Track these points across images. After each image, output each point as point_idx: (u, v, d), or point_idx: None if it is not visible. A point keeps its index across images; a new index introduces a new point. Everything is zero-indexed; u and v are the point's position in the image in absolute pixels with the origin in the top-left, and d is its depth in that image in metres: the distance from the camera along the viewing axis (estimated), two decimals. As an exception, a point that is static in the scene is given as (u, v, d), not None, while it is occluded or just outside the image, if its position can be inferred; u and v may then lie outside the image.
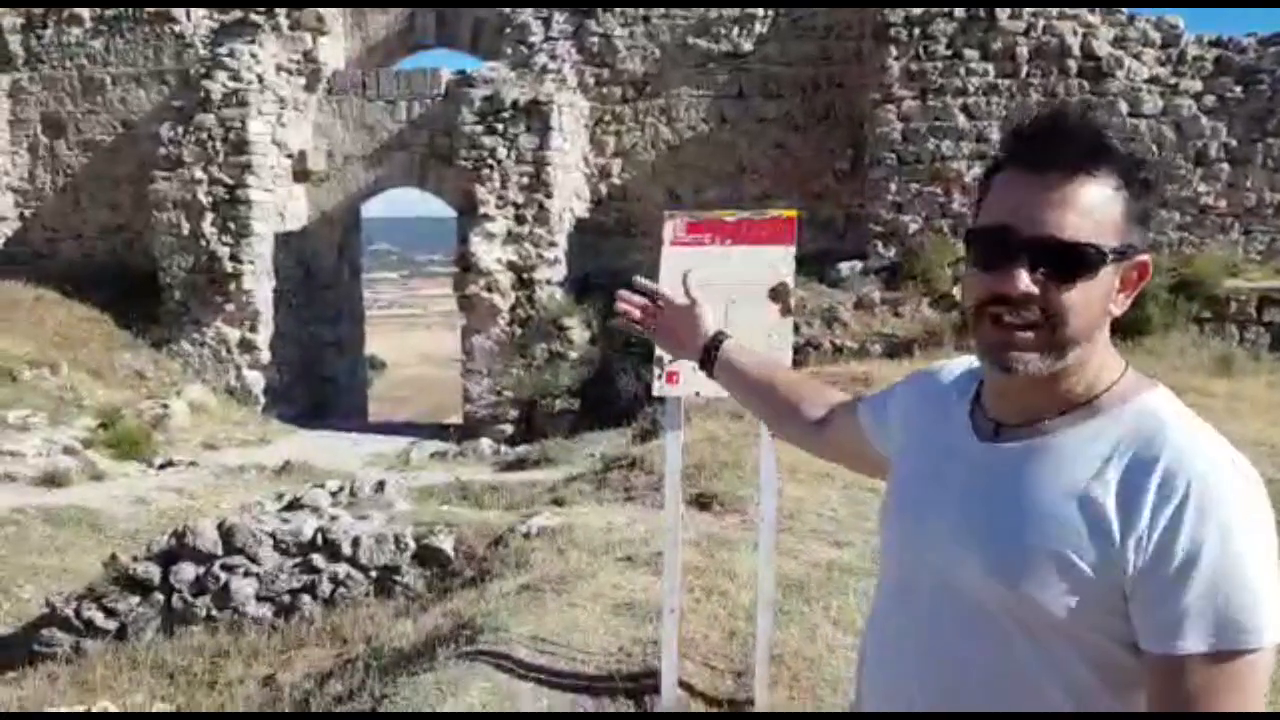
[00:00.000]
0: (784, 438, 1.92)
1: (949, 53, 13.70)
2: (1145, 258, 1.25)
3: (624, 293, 1.91)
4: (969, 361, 1.45)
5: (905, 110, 13.90)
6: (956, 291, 13.16)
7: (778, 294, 3.34)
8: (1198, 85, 13.19)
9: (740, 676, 3.62)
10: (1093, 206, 1.18)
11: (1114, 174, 1.19)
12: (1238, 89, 13.08)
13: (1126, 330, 11.01)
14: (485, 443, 13.59)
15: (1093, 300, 1.20)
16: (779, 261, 3.37)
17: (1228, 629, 1.10)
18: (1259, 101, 13.01)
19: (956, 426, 1.36)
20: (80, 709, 4.85)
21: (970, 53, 13.66)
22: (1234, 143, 13.12)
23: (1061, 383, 1.24)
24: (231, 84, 15.61)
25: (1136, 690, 1.17)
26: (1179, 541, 1.11)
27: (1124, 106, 13.19)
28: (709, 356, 1.85)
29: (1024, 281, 1.18)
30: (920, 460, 1.39)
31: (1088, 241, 1.17)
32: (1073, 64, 13.40)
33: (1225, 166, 13.18)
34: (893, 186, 14.00)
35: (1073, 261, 1.17)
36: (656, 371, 3.40)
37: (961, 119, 13.77)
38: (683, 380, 3.38)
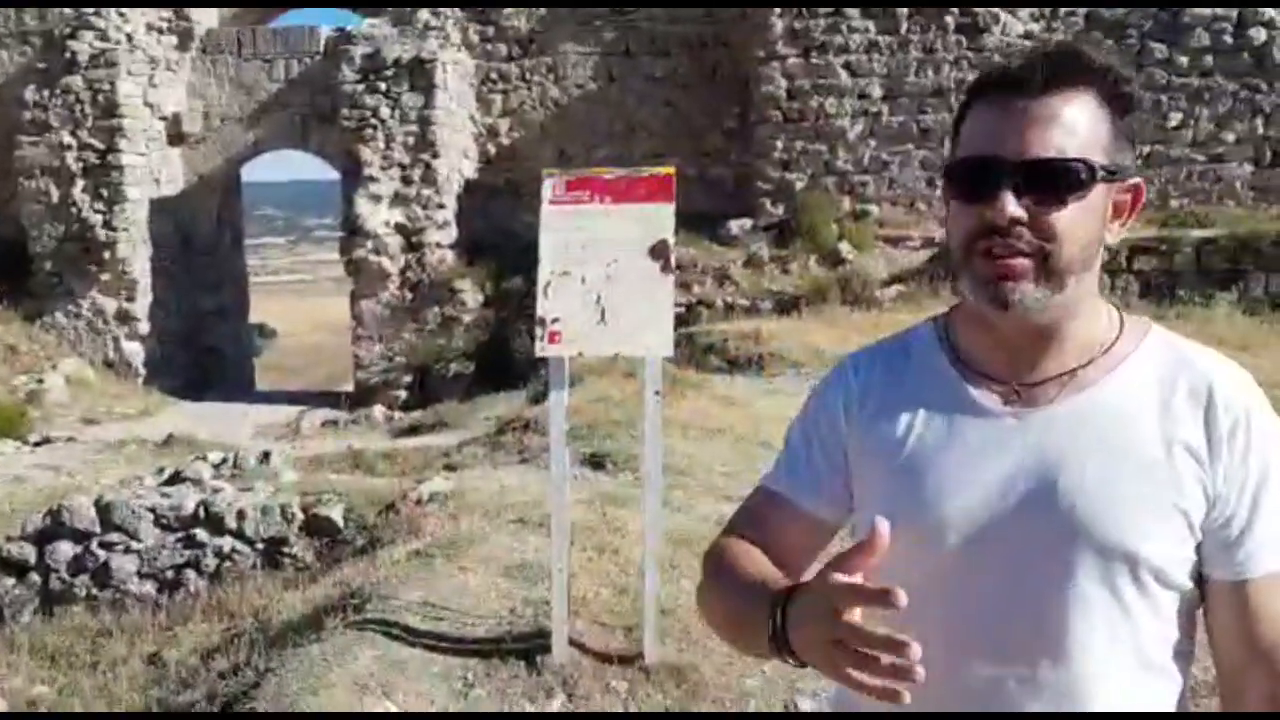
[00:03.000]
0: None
1: (830, 10, 13.82)
2: (1138, 180, 1.19)
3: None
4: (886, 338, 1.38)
5: (789, 68, 13.99)
6: (843, 248, 13.38)
7: (658, 251, 3.35)
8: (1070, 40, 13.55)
9: (630, 632, 3.66)
10: (1076, 123, 1.13)
11: (1093, 91, 1.14)
12: (1108, 43, 13.48)
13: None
14: (378, 409, 13.40)
15: (1086, 223, 1.14)
16: (659, 218, 3.38)
17: None
18: (1128, 55, 13.43)
19: (953, 395, 1.24)
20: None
21: (851, 10, 13.79)
22: (1105, 97, 13.52)
23: (1069, 326, 1.20)
24: (99, 44, 14.91)
25: (1190, 619, 1.20)
26: (1251, 471, 1.14)
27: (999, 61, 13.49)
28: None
29: (1011, 206, 1.12)
30: (926, 446, 1.24)
31: (1075, 157, 1.12)
32: (950, 20, 13.64)
33: (1097, 120, 13.59)
34: (779, 144, 14.11)
35: (1061, 180, 1.12)
36: (539, 331, 3.39)
37: (844, 76, 13.92)
38: (565, 339, 3.37)
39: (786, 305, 12.59)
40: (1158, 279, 11.99)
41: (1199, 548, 1.15)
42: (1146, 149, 13.42)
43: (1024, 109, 1.13)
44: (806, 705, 3.31)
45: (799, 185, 14.08)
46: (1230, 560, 1.14)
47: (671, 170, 3.43)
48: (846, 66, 13.86)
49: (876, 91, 13.89)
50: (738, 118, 15.01)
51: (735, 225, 14.10)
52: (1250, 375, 1.21)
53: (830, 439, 1.33)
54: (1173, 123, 13.45)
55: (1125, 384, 1.18)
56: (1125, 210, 1.19)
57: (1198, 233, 12.29)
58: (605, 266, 3.38)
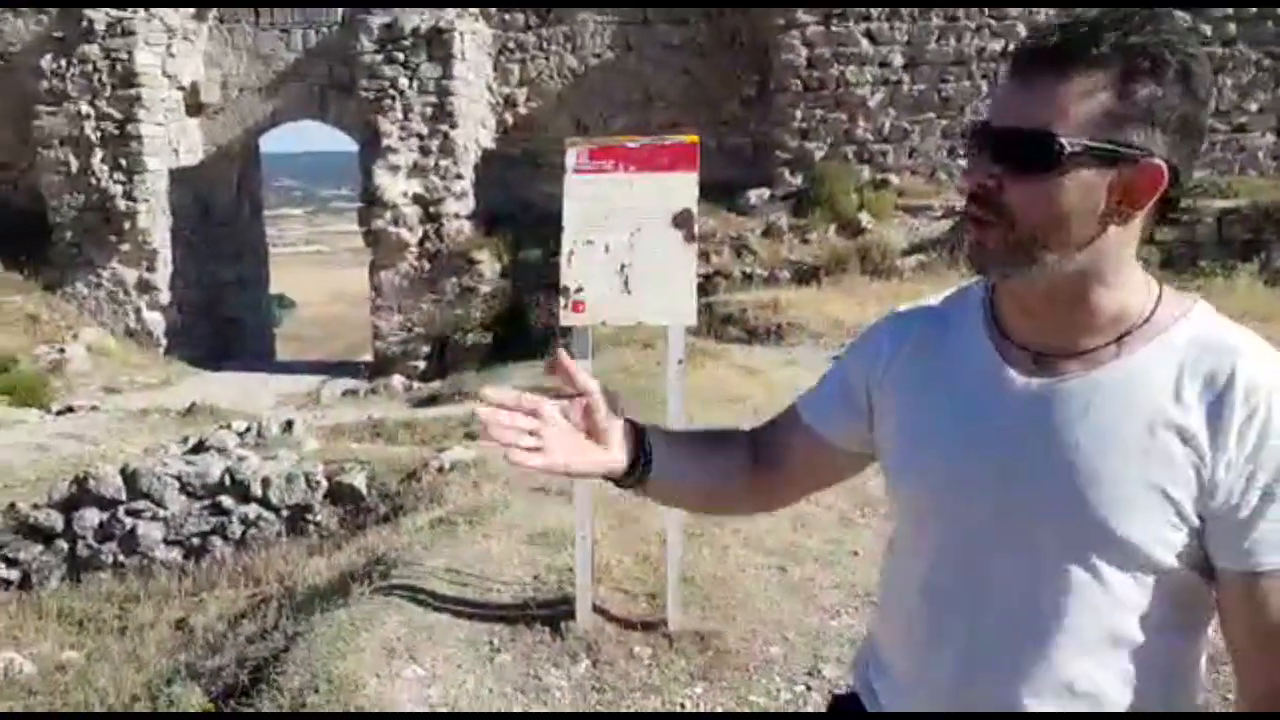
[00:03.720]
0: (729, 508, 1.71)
1: (852, -24, 13.70)
2: (1154, 163, 1.10)
3: (489, 413, 1.25)
4: (946, 293, 1.39)
5: (809, 36, 13.89)
6: (862, 217, 13.32)
7: (681, 220, 3.35)
8: (1093, 12, 13.37)
9: (654, 598, 3.69)
10: (1064, 99, 1.09)
11: (1102, 67, 1.09)
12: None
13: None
14: (397, 379, 13.46)
15: (1057, 199, 1.10)
16: (682, 187, 3.38)
17: None
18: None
19: (977, 358, 1.25)
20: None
21: (873, -24, 13.67)
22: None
23: (1093, 298, 1.17)
24: (115, 12, 14.91)
25: (1201, 609, 1.18)
26: (1264, 463, 1.09)
27: (1022, 30, 13.36)
28: (642, 456, 1.41)
29: (979, 173, 1.13)
30: (938, 405, 1.26)
31: (1039, 129, 1.09)
32: (973, -13, 13.51)
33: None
34: (798, 113, 14.03)
35: (1024, 151, 1.09)
36: (563, 301, 3.40)
37: (865, 44, 13.81)
38: (589, 308, 3.38)
39: (805, 275, 12.55)
40: (1179, 249, 11.89)
41: (1200, 534, 1.12)
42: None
43: (1022, 81, 1.12)
44: (830, 671, 3.34)
45: (818, 154, 14.00)
46: (1236, 551, 1.11)
47: (695, 139, 3.42)
48: (867, 34, 13.75)
49: (897, 60, 13.77)
50: (756, 86, 14.91)
51: (754, 195, 14.04)
52: None
53: (855, 384, 1.40)
54: (1195, 91, 13.33)
55: (1146, 364, 1.15)
56: (1139, 194, 1.11)
57: (1219, 203, 12.18)
58: (628, 235, 3.38)
